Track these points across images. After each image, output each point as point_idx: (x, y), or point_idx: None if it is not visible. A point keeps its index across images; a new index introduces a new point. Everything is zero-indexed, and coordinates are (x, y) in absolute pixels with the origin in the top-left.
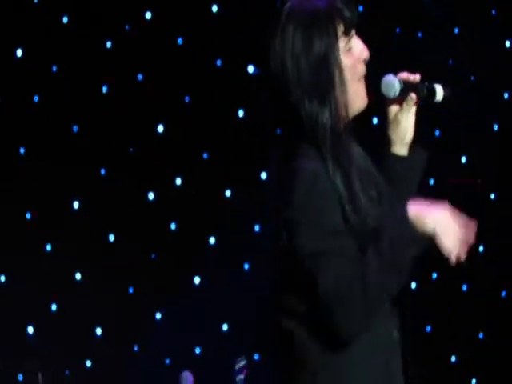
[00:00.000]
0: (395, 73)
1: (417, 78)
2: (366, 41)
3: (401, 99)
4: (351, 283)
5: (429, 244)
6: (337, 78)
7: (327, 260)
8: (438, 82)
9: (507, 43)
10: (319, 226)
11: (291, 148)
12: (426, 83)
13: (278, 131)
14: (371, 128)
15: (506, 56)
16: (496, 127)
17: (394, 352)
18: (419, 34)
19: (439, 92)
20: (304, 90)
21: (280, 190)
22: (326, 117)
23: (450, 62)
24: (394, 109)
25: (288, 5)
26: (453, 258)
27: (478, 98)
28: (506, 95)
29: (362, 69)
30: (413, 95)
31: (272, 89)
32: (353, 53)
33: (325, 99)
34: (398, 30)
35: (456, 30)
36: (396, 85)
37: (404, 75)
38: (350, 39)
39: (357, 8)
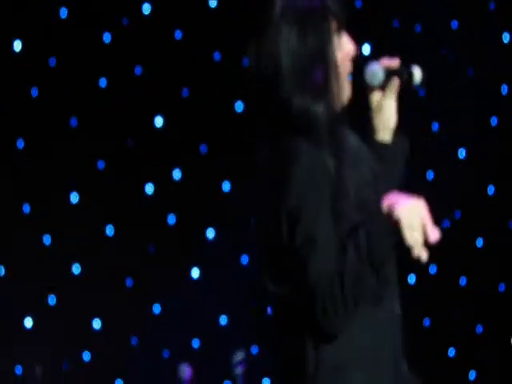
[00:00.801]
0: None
1: (396, 62)
2: (364, 35)
3: (383, 86)
4: (331, 277)
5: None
6: (332, 73)
7: (317, 249)
8: (415, 64)
9: (506, 38)
10: (316, 213)
11: (283, 141)
12: (404, 67)
13: (266, 125)
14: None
15: (505, 50)
16: (495, 121)
17: (397, 328)
18: (417, 28)
19: (417, 74)
20: (298, 85)
21: (273, 182)
22: (319, 110)
23: (449, 56)
24: (376, 96)
25: (280, 2)
26: (415, 252)
27: (477, 92)
28: (504, 90)
29: (349, 65)
30: (395, 80)
31: (262, 84)
32: (342, 49)
33: (319, 93)
34: (396, 24)
35: (454, 24)
36: (380, 73)
37: (385, 61)
38: (340, 36)
39: (347, 5)
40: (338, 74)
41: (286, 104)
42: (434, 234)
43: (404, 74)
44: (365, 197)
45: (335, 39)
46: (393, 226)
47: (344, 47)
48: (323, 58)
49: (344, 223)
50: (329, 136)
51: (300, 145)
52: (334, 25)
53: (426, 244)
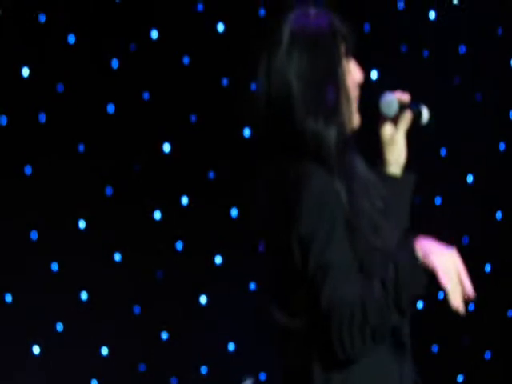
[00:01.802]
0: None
1: (407, 97)
2: (371, 60)
3: (396, 119)
4: (352, 307)
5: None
6: (343, 97)
7: (333, 274)
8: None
9: None
10: (329, 239)
11: (293, 166)
12: (414, 104)
13: (276, 150)
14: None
15: None
16: (503, 146)
17: (406, 347)
18: (425, 53)
19: (425, 113)
20: (309, 110)
21: (283, 208)
22: (331, 134)
23: (456, 80)
24: (388, 129)
25: (289, 26)
26: (453, 301)
27: (485, 117)
28: None
29: (357, 91)
30: (408, 114)
31: (273, 108)
32: (351, 74)
33: (331, 118)
34: (403, 48)
35: (462, 49)
36: (395, 104)
37: (398, 94)
38: (349, 60)
39: (355, 29)
40: (348, 98)
41: (297, 128)
42: (470, 288)
43: (414, 110)
44: (377, 223)
45: (345, 63)
46: (425, 270)
47: (352, 72)
48: (334, 81)
49: (361, 244)
50: (340, 160)
51: (311, 169)
52: (343, 49)
53: (462, 297)
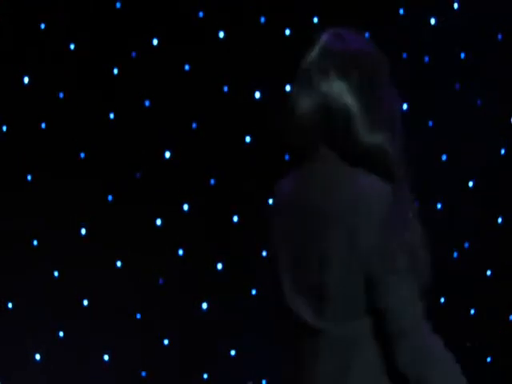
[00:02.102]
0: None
1: None
2: None
3: None
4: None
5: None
6: (396, 113)
7: (402, 279)
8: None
9: None
10: (397, 248)
11: (358, 180)
12: None
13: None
14: None
15: None
16: (503, 151)
17: None
18: (426, 59)
19: None
20: (373, 127)
21: (348, 220)
22: (395, 147)
23: (457, 86)
24: None
25: (344, 49)
26: None
27: (485, 122)
28: None
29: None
30: None
31: (332, 125)
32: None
33: (391, 132)
34: (404, 55)
35: (462, 55)
36: None
37: None
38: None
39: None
40: (397, 115)
41: (360, 143)
42: None
43: None
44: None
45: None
46: None
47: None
48: (389, 101)
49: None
50: (401, 173)
51: (380, 183)
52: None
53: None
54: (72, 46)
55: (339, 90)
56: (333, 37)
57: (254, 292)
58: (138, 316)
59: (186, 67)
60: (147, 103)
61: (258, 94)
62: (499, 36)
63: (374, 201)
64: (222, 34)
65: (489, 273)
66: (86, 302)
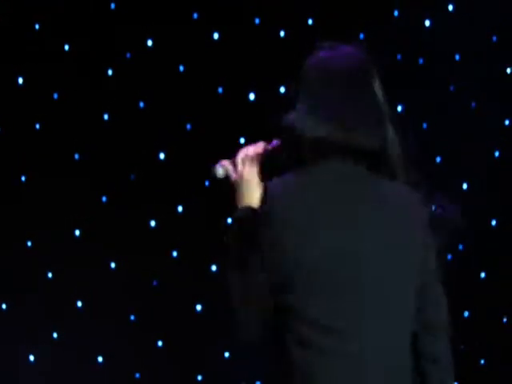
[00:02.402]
0: None
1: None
2: None
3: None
4: None
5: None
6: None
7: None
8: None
9: (508, 70)
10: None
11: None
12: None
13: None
14: None
15: (507, 82)
16: (497, 154)
17: None
18: (420, 61)
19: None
20: (368, 133)
21: (414, 221)
22: (392, 151)
23: (451, 88)
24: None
25: (365, 60)
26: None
27: (479, 124)
28: (507, 122)
29: None
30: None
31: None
32: None
33: (385, 135)
34: (398, 56)
35: (457, 57)
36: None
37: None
38: None
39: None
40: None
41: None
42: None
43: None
44: None
45: None
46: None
47: None
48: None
49: None
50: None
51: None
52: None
53: None
54: (66, 47)
55: (366, 101)
56: (334, 53)
57: None
58: (132, 317)
59: (181, 68)
60: (142, 104)
61: (252, 96)
62: (494, 38)
63: (420, 207)
64: (216, 36)
65: (483, 275)
66: (79, 304)
